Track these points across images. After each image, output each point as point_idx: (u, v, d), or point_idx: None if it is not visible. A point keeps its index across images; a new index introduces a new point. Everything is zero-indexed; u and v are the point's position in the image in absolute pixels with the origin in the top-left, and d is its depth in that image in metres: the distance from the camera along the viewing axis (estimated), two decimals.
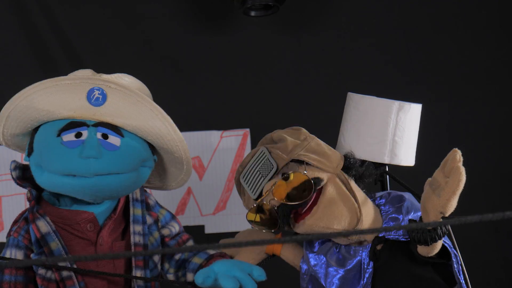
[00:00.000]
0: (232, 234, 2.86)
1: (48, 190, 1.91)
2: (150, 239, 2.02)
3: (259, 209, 1.93)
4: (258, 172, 1.92)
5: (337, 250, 1.96)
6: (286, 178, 1.87)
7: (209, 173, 2.88)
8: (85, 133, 1.82)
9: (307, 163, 1.88)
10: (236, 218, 2.89)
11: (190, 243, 2.11)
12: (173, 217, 2.12)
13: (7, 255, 1.90)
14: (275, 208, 1.89)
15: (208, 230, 2.88)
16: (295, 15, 2.91)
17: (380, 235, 1.90)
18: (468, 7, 2.92)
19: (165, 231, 2.07)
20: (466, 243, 2.64)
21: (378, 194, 2.00)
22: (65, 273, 1.88)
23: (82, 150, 1.80)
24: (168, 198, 2.85)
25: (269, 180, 1.90)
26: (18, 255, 1.89)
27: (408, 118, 2.01)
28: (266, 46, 2.92)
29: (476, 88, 2.93)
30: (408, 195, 1.97)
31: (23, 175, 1.95)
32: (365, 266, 1.90)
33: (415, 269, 1.87)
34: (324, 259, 1.96)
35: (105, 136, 1.83)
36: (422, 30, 2.93)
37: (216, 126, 2.90)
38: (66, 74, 2.80)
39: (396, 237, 1.88)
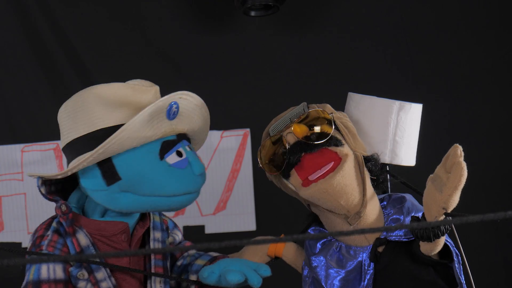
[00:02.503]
0: (232, 234, 2.87)
1: (126, 210, 1.88)
2: (166, 246, 2.04)
3: (272, 145, 1.93)
4: (288, 118, 1.92)
5: (337, 250, 1.95)
6: (309, 124, 1.89)
7: (209, 173, 2.84)
8: (181, 150, 1.87)
9: (336, 127, 1.90)
10: (236, 218, 2.88)
11: (192, 250, 2.12)
12: (175, 225, 2.13)
13: (44, 271, 1.82)
14: (288, 146, 1.88)
15: (208, 230, 2.88)
16: (295, 15, 2.91)
17: (382, 237, 1.89)
18: (469, 6, 2.92)
19: (170, 239, 2.08)
20: (467, 243, 2.64)
21: (379, 197, 1.99)
22: (104, 286, 1.87)
23: (194, 168, 1.87)
24: None
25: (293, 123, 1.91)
26: (57, 269, 1.83)
27: (408, 118, 2.01)
28: (266, 46, 2.92)
29: (477, 88, 2.93)
30: (408, 196, 1.97)
31: (56, 189, 1.90)
32: (366, 268, 1.90)
33: (417, 271, 1.86)
34: (324, 260, 1.95)
35: (190, 148, 1.91)
36: (423, 30, 2.92)
37: (216, 126, 2.90)
38: (66, 75, 2.84)
39: (398, 238, 1.87)
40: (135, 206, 1.88)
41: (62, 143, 1.88)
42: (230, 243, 1.01)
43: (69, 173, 1.80)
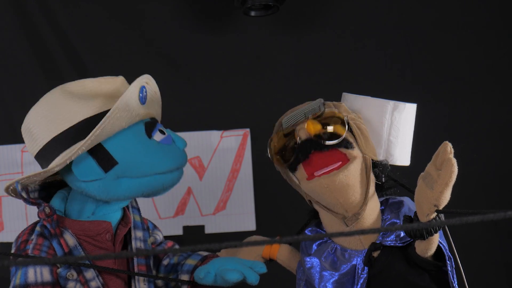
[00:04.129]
0: (232, 234, 2.87)
1: (123, 198, 1.91)
2: (148, 245, 2.05)
3: (283, 137, 1.93)
4: (303, 113, 1.93)
5: (332, 252, 1.95)
6: (323, 122, 1.89)
7: (209, 173, 2.88)
8: (162, 129, 1.93)
9: (349, 129, 1.90)
10: (236, 218, 2.88)
11: (176, 247, 2.13)
12: (154, 225, 2.15)
13: (31, 275, 1.82)
14: (299, 141, 1.88)
15: (208, 230, 2.88)
16: (295, 15, 2.91)
17: (377, 242, 1.89)
18: (469, 6, 2.92)
19: (151, 239, 2.10)
20: (467, 243, 2.63)
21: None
22: (93, 285, 1.87)
23: (178, 144, 1.93)
24: (168, 198, 2.85)
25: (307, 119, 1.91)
26: (45, 272, 1.83)
27: (403, 117, 2.01)
28: (266, 46, 2.92)
29: (477, 88, 2.93)
30: (406, 200, 1.97)
31: (35, 196, 1.90)
32: (359, 272, 1.89)
33: (411, 277, 1.86)
34: (318, 262, 1.95)
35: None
36: (422, 30, 2.92)
37: (216, 126, 2.90)
38: (66, 74, 2.83)
39: (393, 243, 1.87)
40: (133, 190, 1.89)
41: (37, 146, 1.86)
42: (228, 244, 1.01)
43: (67, 162, 1.80)
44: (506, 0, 2.92)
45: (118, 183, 1.86)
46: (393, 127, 2.00)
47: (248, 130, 2.90)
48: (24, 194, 1.84)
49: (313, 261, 1.95)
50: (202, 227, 2.88)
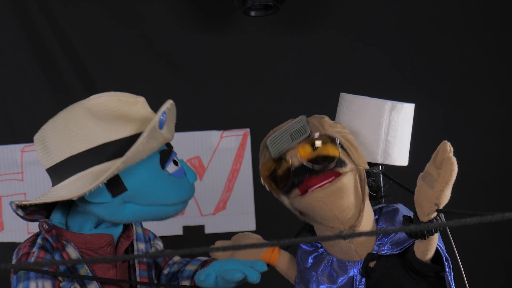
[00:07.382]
0: (232, 234, 2.87)
1: (125, 221, 1.91)
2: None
3: (276, 164, 1.90)
4: (289, 135, 1.89)
5: (329, 264, 1.94)
6: (314, 144, 1.86)
7: (209, 173, 2.88)
8: (176, 159, 1.92)
9: (340, 144, 1.88)
10: (236, 218, 2.89)
11: (177, 258, 2.13)
12: (155, 235, 2.14)
13: None
14: (292, 168, 1.86)
15: (208, 230, 2.88)
16: (295, 15, 2.91)
17: (374, 252, 1.88)
18: (468, 6, 2.92)
19: (152, 249, 2.08)
20: (465, 243, 2.63)
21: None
22: None
23: (189, 178, 1.93)
24: None
25: (297, 144, 1.88)
26: (47, 286, 1.82)
27: (401, 117, 2.00)
28: (266, 46, 2.92)
29: (477, 88, 2.93)
30: (400, 207, 1.96)
31: (36, 207, 1.89)
32: (357, 283, 1.88)
33: (409, 285, 1.86)
34: (315, 275, 1.94)
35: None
36: (422, 30, 2.93)
37: (216, 126, 2.90)
38: (65, 74, 2.84)
39: (390, 252, 1.86)
40: (136, 216, 1.89)
41: (50, 161, 1.85)
42: (226, 247, 1.01)
43: (100, 185, 1.78)
44: (506, 0, 2.92)
45: (123, 207, 1.86)
46: (391, 127, 1.99)
47: (248, 130, 2.90)
48: (20, 212, 1.83)
49: (310, 275, 1.94)
50: (202, 227, 2.88)
